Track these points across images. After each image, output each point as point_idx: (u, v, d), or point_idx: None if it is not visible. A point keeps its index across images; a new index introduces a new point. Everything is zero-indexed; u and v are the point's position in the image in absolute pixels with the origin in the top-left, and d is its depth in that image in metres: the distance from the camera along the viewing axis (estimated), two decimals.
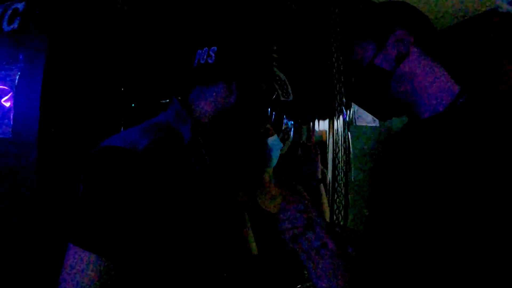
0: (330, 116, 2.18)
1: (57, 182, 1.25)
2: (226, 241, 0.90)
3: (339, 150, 2.16)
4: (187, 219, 0.78)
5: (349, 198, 2.15)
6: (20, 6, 1.40)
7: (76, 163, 1.25)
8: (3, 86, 1.32)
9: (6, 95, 1.29)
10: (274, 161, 1.49)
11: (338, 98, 2.18)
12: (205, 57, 0.90)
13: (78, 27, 1.35)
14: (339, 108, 2.18)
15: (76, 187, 0.77)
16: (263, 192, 1.48)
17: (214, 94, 0.92)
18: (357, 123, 2.21)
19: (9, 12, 1.40)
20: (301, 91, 2.07)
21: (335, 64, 2.17)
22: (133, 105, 1.44)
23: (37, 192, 1.24)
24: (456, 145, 0.69)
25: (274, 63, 2.01)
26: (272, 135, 1.47)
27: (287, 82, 2.04)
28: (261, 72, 0.96)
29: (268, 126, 1.50)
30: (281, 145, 1.52)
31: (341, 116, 2.18)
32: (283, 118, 2.03)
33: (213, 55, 0.89)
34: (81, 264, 0.62)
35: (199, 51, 0.93)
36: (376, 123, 2.29)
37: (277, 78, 2.02)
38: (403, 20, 0.87)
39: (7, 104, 1.29)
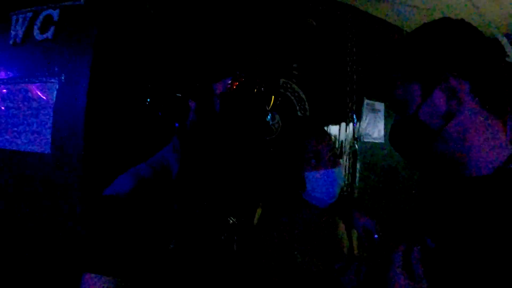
0: (340, 131, 2.18)
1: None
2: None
3: (347, 163, 2.18)
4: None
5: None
6: (54, 13, 1.26)
7: None
8: (38, 98, 1.20)
9: (44, 108, 1.17)
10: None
11: (349, 115, 2.18)
12: None
13: (120, 37, 1.25)
14: (349, 124, 2.19)
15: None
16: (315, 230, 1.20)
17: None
18: (365, 139, 2.23)
19: (41, 18, 1.27)
20: (317, 106, 2.05)
21: (349, 83, 2.17)
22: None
23: (78, 213, 1.14)
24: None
25: (294, 80, 1.98)
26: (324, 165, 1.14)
27: (305, 99, 2.02)
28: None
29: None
30: (339, 177, 1.18)
31: (350, 132, 2.19)
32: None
33: None
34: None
35: None
36: (382, 139, 2.32)
37: (296, 94, 1.99)
38: (457, 62, 0.67)
39: (45, 118, 1.17)
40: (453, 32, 0.69)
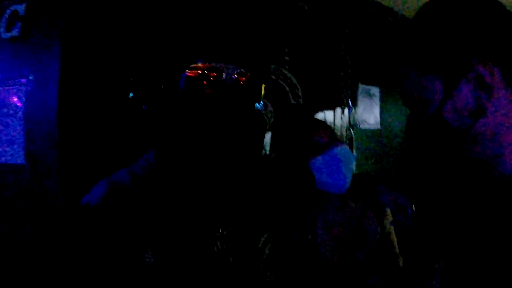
0: (335, 118, 2.10)
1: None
2: None
3: None
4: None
5: None
6: (19, 8, 1.13)
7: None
8: (7, 104, 1.09)
9: (13, 116, 1.06)
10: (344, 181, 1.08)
11: (344, 101, 2.09)
12: None
13: (92, 30, 1.12)
14: (344, 110, 2.10)
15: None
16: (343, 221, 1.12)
17: None
18: (361, 126, 2.15)
19: (7, 15, 1.14)
20: (310, 92, 1.96)
21: (343, 67, 2.07)
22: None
23: (57, 225, 1.06)
24: None
25: (286, 66, 1.88)
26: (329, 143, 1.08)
27: (298, 86, 1.92)
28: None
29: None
30: (352, 158, 1.11)
31: (346, 118, 2.10)
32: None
33: None
34: None
35: None
36: (378, 126, 2.24)
37: (288, 81, 1.89)
38: (484, 45, 0.54)
39: (16, 125, 1.07)
40: (474, 9, 0.56)
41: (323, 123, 1.26)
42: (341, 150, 1.08)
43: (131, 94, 1.21)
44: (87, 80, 1.07)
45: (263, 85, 0.95)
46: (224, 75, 0.68)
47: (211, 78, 0.67)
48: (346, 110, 2.10)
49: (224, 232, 0.77)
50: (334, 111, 2.06)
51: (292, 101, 1.91)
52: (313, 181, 1.07)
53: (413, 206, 1.06)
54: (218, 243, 0.77)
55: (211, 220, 0.75)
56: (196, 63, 0.68)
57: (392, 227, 1.16)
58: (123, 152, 1.17)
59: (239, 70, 0.69)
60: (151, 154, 0.80)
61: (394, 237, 1.16)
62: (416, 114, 0.62)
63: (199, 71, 0.67)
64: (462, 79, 0.55)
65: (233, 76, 0.69)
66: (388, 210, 1.18)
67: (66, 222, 1.04)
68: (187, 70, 0.68)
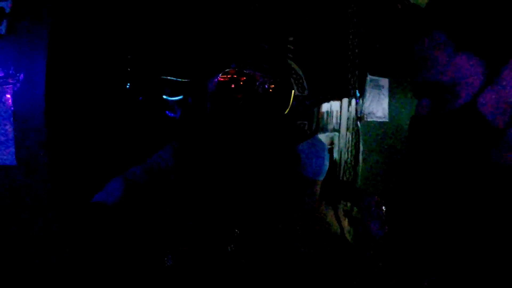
0: (342, 109, 2.01)
1: (73, 212, 1.04)
2: None
3: (349, 144, 2.03)
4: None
5: None
6: (5, 5, 1.06)
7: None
8: None
9: (3, 116, 1.01)
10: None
11: (351, 92, 1.99)
12: None
13: (79, 25, 1.06)
14: (351, 102, 2.01)
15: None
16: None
17: None
18: (368, 119, 2.05)
19: None
20: (316, 84, 1.87)
21: (351, 57, 1.96)
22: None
23: (51, 224, 1.02)
24: None
25: (290, 55, 1.79)
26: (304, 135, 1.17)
27: (303, 76, 1.83)
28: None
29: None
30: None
31: (353, 110, 2.01)
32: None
33: None
34: None
35: None
36: (386, 118, 2.14)
37: (293, 72, 1.80)
38: None
39: (7, 127, 1.01)
40: None
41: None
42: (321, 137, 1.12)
43: (128, 85, 1.15)
44: (75, 76, 1.01)
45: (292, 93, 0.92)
46: (257, 83, 0.66)
47: (242, 84, 0.65)
48: (353, 101, 2.01)
49: (238, 233, 0.74)
50: (341, 103, 1.98)
51: (297, 93, 1.83)
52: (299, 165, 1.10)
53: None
54: (232, 244, 0.73)
55: (227, 221, 0.73)
56: (229, 68, 0.66)
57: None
58: (120, 146, 1.12)
59: (271, 79, 0.67)
60: (167, 152, 0.76)
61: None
62: (440, 105, 0.49)
63: (231, 76, 0.66)
64: (506, 66, 0.44)
65: (265, 85, 0.67)
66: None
67: (68, 221, 1.01)
68: (220, 75, 0.66)
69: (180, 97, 1.20)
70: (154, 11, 1.21)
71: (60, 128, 1.03)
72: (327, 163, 1.08)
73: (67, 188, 1.04)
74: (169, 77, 1.26)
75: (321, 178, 1.09)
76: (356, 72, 1.98)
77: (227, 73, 0.66)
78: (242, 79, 0.65)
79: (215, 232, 0.71)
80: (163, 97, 1.23)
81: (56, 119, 1.02)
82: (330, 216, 1.18)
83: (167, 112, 1.25)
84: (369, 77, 2.02)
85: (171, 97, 1.16)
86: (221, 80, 0.65)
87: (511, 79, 0.44)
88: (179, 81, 1.09)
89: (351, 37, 1.94)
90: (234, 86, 0.65)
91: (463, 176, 0.50)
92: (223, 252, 0.70)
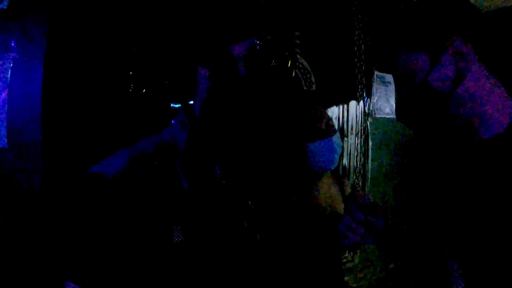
0: (349, 106, 1.94)
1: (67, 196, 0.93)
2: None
3: (357, 141, 1.95)
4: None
5: (366, 189, 1.97)
6: None
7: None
8: None
9: None
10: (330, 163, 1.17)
11: (359, 88, 1.93)
12: None
13: (82, 6, 0.98)
14: (359, 99, 1.94)
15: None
16: (321, 194, 1.20)
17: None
18: (376, 115, 1.98)
19: None
20: (323, 79, 1.80)
21: (357, 53, 1.91)
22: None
23: (45, 216, 0.92)
24: None
25: (297, 50, 1.72)
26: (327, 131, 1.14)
27: (311, 71, 1.76)
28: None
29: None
30: (338, 144, 1.18)
31: (360, 107, 1.94)
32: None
33: None
34: None
35: None
36: (393, 115, 2.07)
37: (300, 66, 1.73)
38: (464, 27, 0.67)
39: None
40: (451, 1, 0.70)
41: (323, 111, 1.26)
42: (336, 139, 1.15)
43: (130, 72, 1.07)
44: (75, 56, 0.93)
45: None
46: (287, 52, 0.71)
47: (278, 51, 0.71)
48: (360, 98, 1.94)
49: (253, 207, 0.72)
50: (348, 99, 1.91)
51: (304, 87, 1.76)
52: (306, 161, 1.16)
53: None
54: (246, 219, 0.70)
55: (243, 194, 0.72)
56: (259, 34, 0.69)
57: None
58: (114, 136, 1.03)
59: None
60: (175, 126, 0.74)
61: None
62: (406, 85, 0.71)
63: (267, 41, 0.70)
64: (445, 52, 0.66)
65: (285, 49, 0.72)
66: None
67: (52, 213, 0.91)
68: (257, 38, 0.69)
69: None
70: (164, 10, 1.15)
71: (55, 113, 0.94)
72: (333, 157, 1.14)
73: (59, 173, 0.94)
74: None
75: (327, 169, 1.18)
76: (363, 68, 1.92)
77: (261, 38, 0.70)
78: (273, 43, 0.70)
79: (230, 207, 0.68)
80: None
81: (52, 104, 0.93)
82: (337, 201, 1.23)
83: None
84: (376, 73, 1.97)
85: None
86: (258, 44, 0.69)
87: (447, 62, 0.66)
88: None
89: (357, 32, 1.89)
90: (268, 49, 0.69)
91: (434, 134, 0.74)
92: (239, 228, 0.67)
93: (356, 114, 1.93)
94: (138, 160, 0.64)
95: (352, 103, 1.91)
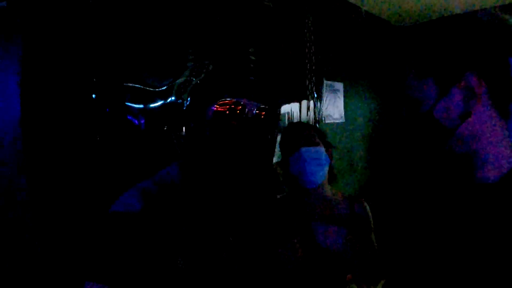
0: (301, 113, 2.10)
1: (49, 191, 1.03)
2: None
3: None
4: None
5: None
6: None
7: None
8: None
9: None
10: (313, 177, 1.19)
11: (309, 97, 2.09)
12: None
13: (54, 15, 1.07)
14: (309, 106, 2.11)
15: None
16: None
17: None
18: (326, 121, 2.16)
19: None
20: (275, 91, 1.94)
21: (308, 64, 2.07)
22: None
23: (27, 205, 1.01)
24: None
25: (251, 65, 1.85)
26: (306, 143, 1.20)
27: None
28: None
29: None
30: (322, 158, 1.21)
31: (311, 114, 2.11)
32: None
33: None
34: None
35: None
36: (342, 119, 2.26)
37: None
38: (477, 61, 0.64)
39: None
40: (467, 29, 0.67)
41: (303, 126, 1.33)
42: (306, 150, 1.18)
43: (93, 96, 1.16)
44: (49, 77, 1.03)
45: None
46: (246, 110, 0.74)
47: (236, 112, 0.74)
48: (312, 105, 2.10)
49: (232, 240, 0.81)
50: (300, 106, 2.06)
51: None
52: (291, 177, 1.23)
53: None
54: (226, 251, 0.80)
55: (224, 229, 0.79)
56: (224, 99, 0.74)
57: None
58: (90, 154, 1.13)
59: (259, 105, 0.76)
60: (174, 169, 0.83)
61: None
62: (411, 111, 0.70)
63: (227, 106, 0.74)
64: (455, 86, 0.64)
65: (254, 111, 0.75)
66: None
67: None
68: (216, 105, 0.74)
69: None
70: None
71: (34, 129, 1.03)
72: (312, 174, 1.17)
73: (42, 176, 1.04)
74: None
75: (309, 186, 1.20)
76: (313, 78, 2.09)
77: (222, 103, 0.74)
78: (237, 108, 0.74)
79: (213, 240, 0.77)
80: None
81: (30, 120, 1.02)
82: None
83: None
84: (325, 82, 2.14)
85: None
86: (218, 109, 0.74)
87: (455, 98, 0.64)
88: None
89: (308, 45, 2.04)
90: (229, 113, 0.74)
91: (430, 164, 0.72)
92: (219, 258, 0.76)
93: (308, 120, 2.10)
94: (149, 200, 0.72)
95: (304, 111, 2.07)
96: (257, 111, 0.76)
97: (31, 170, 1.02)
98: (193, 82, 0.81)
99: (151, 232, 0.70)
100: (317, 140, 1.22)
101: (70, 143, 1.10)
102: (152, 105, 1.32)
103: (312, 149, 1.19)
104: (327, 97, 2.16)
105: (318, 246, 1.10)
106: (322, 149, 1.21)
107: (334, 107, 2.20)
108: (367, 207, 1.27)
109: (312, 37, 2.11)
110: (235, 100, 0.74)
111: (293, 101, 2.01)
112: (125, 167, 1.18)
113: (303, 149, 1.17)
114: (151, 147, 1.28)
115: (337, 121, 2.23)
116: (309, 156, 1.17)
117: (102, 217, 0.71)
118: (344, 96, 2.26)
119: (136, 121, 1.28)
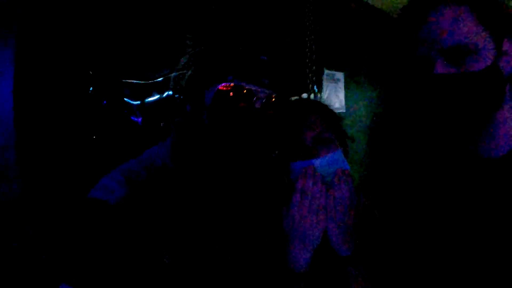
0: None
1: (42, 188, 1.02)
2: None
3: None
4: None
5: None
6: None
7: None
8: None
9: None
10: None
11: (310, 86, 2.07)
12: None
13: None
14: (310, 95, 2.08)
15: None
16: None
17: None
18: None
19: None
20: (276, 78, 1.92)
21: (308, 54, 2.03)
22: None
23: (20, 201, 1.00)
24: None
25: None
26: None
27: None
28: None
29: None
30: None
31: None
32: None
33: None
34: None
35: None
36: (343, 109, 2.23)
37: None
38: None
39: None
40: None
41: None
42: (320, 165, 0.82)
43: (90, 89, 1.14)
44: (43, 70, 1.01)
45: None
46: (254, 98, 0.65)
47: (240, 98, 0.64)
48: (312, 95, 2.07)
49: (226, 233, 0.73)
50: (300, 96, 2.04)
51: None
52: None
53: None
54: (218, 244, 0.73)
55: (218, 222, 0.72)
56: (226, 80, 0.65)
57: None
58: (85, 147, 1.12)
59: (268, 93, 0.66)
60: (163, 149, 0.74)
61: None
62: (460, 66, 0.56)
63: (232, 88, 0.64)
64: (503, 41, 0.55)
65: (262, 101, 0.66)
66: None
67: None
68: (218, 87, 0.64)
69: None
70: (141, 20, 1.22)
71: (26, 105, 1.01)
72: None
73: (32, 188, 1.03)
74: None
75: None
76: (313, 67, 2.06)
77: (225, 87, 0.64)
78: (241, 93, 0.64)
79: (205, 233, 0.69)
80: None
81: (22, 97, 1.01)
82: None
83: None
84: (325, 71, 2.11)
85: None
86: (222, 89, 0.64)
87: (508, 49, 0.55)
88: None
89: (308, 33, 2.01)
90: (235, 95, 0.64)
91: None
92: (211, 250, 0.69)
93: None
94: (134, 187, 0.64)
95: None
96: (265, 101, 0.67)
97: (25, 161, 1.01)
98: (191, 69, 0.73)
99: (134, 225, 0.62)
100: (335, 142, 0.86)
101: (65, 135, 1.08)
102: (149, 99, 1.31)
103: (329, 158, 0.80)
104: (327, 87, 2.13)
105: None
106: (339, 153, 0.81)
107: (335, 96, 2.17)
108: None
109: (312, 26, 2.07)
110: (240, 84, 0.65)
111: (293, 90, 1.98)
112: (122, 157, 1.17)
113: (316, 162, 0.77)
114: (149, 134, 1.27)
115: (338, 111, 2.20)
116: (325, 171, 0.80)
117: (79, 204, 0.62)
118: (345, 86, 2.22)
119: (134, 117, 1.27)
